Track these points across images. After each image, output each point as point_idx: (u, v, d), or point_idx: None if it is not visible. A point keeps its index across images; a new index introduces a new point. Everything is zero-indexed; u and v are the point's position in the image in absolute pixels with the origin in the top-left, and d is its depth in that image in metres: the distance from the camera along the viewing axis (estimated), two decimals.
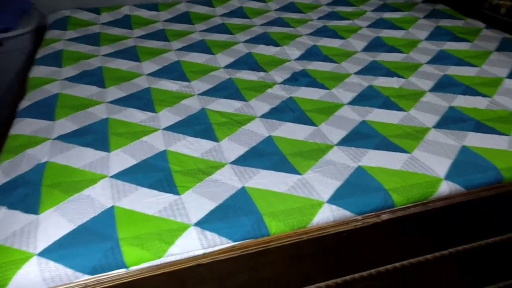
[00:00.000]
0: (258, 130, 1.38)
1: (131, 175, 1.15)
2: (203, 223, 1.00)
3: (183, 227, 0.98)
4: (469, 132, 1.34)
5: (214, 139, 1.33)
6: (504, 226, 1.21)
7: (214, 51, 1.96)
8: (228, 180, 1.15)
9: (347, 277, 1.12)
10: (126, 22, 2.29)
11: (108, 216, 1.00)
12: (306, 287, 1.10)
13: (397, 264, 1.15)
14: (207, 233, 0.98)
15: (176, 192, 1.09)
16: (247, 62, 1.86)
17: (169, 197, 1.08)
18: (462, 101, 1.53)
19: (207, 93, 1.61)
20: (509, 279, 1.33)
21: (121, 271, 0.91)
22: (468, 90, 1.61)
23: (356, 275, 1.12)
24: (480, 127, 1.37)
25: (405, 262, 1.16)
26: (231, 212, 1.03)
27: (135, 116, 1.44)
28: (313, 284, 1.10)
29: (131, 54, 1.91)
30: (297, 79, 1.72)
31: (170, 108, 1.50)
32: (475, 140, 1.30)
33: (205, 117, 1.45)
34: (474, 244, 1.20)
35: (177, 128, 1.38)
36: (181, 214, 1.02)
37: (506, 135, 1.32)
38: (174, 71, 1.78)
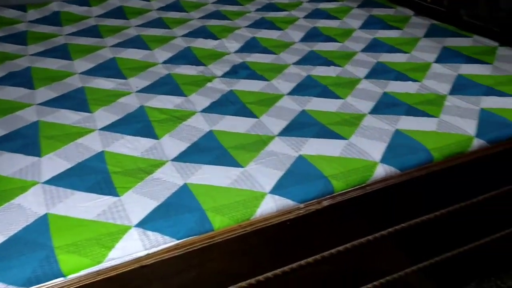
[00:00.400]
0: (199, 125, 1.37)
1: (65, 180, 1.10)
2: (144, 224, 0.97)
3: (123, 230, 0.96)
4: (402, 116, 1.41)
5: (154, 136, 1.30)
6: (435, 204, 1.29)
7: (151, 47, 1.91)
8: (170, 178, 1.13)
9: (294, 265, 1.14)
10: (55, 19, 2.18)
11: (42, 224, 0.95)
12: (254, 278, 1.11)
13: (340, 248, 1.19)
14: (149, 233, 0.96)
15: (116, 194, 1.06)
16: (186, 57, 1.83)
17: (108, 199, 1.04)
18: (395, 87, 1.60)
19: (145, 90, 1.57)
20: (443, 254, 1.41)
21: (59, 280, 0.87)
22: (400, 75, 1.68)
23: (302, 262, 1.14)
24: (412, 110, 1.44)
25: (348, 245, 1.19)
26: (173, 210, 1.01)
27: (68, 117, 1.38)
28: (261, 274, 1.11)
29: (62, 52, 1.82)
30: (237, 71, 1.72)
31: (106, 107, 1.45)
32: (407, 123, 1.36)
33: (144, 115, 1.41)
34: (410, 222, 1.27)
35: (114, 127, 1.34)
36: (121, 216, 0.99)
37: (435, 117, 1.40)
38: (109, 69, 1.71)
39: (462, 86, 1.57)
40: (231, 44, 1.96)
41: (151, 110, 1.44)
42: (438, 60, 1.77)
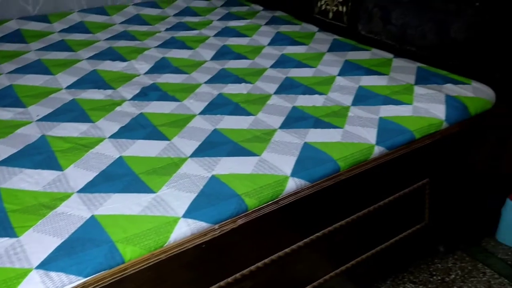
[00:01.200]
0: (107, 152, 1.31)
1: None
2: (46, 264, 0.91)
3: (23, 273, 0.88)
4: (310, 129, 1.47)
5: (58, 168, 1.23)
6: (346, 210, 1.35)
7: (53, 71, 1.81)
8: (76, 211, 1.07)
9: (214, 287, 1.13)
10: None
11: None
12: None
13: (259, 264, 1.20)
14: (52, 274, 0.89)
15: (13, 235, 0.98)
16: (92, 80, 1.76)
17: (4, 241, 0.96)
18: (303, 101, 1.67)
19: (47, 118, 1.48)
20: (359, 255, 1.49)
21: None
22: (307, 89, 1.75)
23: (222, 283, 1.14)
24: (319, 123, 1.51)
25: (267, 260, 1.21)
26: (79, 246, 0.96)
27: None
28: None
29: None
30: (147, 94, 1.69)
31: (3, 140, 1.34)
32: (315, 135, 1.42)
33: (46, 145, 1.33)
34: (325, 231, 1.32)
35: (12, 161, 1.24)
36: (20, 259, 0.91)
37: (340, 128, 1.48)
38: (6, 97, 1.60)
39: (363, 97, 1.68)
40: (140, 66, 1.92)
41: (54, 139, 1.36)
42: (341, 73, 1.88)
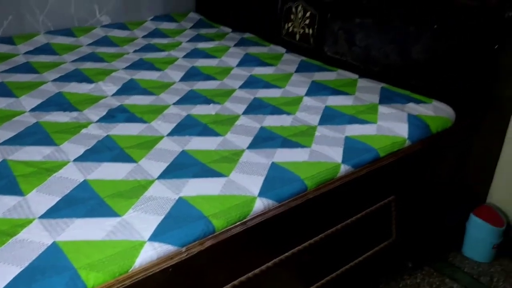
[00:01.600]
0: (71, 176, 1.29)
1: None
2: None
3: None
4: (277, 149, 1.48)
5: (19, 193, 1.19)
6: (314, 228, 1.36)
7: (17, 94, 1.77)
8: (37, 238, 1.03)
9: None
10: None
11: None
12: None
13: (228, 286, 1.19)
14: None
15: None
16: (58, 103, 1.73)
17: None
18: (271, 121, 1.69)
19: (9, 142, 1.44)
20: (331, 273, 1.49)
21: None
22: (275, 110, 1.78)
23: None
24: (286, 143, 1.53)
25: (236, 281, 1.20)
26: (39, 274, 0.92)
27: None
28: None
29: None
30: (114, 115, 1.67)
31: None
32: (282, 155, 1.44)
33: (7, 170, 1.29)
34: (294, 250, 1.32)
35: None
36: None
37: (307, 147, 1.50)
38: None
39: (329, 117, 1.72)
40: (108, 87, 1.90)
41: (16, 163, 1.32)
42: (308, 93, 1.92)
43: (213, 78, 2.07)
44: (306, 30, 2.37)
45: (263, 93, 1.93)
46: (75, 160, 1.36)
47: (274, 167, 1.37)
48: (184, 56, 2.31)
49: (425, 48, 1.87)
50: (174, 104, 1.80)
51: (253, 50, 2.43)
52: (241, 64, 2.24)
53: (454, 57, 1.80)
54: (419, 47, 1.88)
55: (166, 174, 1.32)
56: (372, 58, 2.08)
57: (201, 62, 2.24)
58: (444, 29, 1.81)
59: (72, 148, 1.43)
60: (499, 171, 1.96)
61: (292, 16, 2.43)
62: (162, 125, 1.62)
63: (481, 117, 1.78)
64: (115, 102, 1.77)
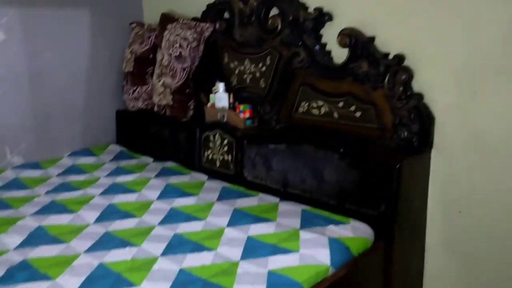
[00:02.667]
0: None
1: None
2: None
3: None
4: None
5: None
6: None
7: None
8: None
9: None
10: None
11: None
12: None
13: None
14: None
15: None
16: None
17: None
18: (191, 261, 1.59)
19: None
20: None
21: None
22: (196, 246, 1.70)
23: None
24: (207, 285, 1.43)
25: None
26: None
27: None
28: None
29: None
30: (14, 274, 1.50)
31: None
32: None
33: None
34: None
35: None
36: None
37: None
38: None
39: (251, 249, 1.66)
40: (11, 239, 1.73)
41: None
42: (230, 224, 1.87)
43: (132, 216, 1.98)
44: (226, 157, 2.42)
45: (183, 228, 1.86)
46: None
47: None
48: (101, 193, 2.22)
49: (335, 170, 1.96)
50: (85, 252, 1.66)
51: (174, 180, 2.40)
52: (161, 196, 2.19)
53: (361, 178, 1.89)
54: (329, 169, 1.97)
55: None
56: (290, 181, 2.14)
57: (119, 198, 2.16)
58: (348, 151, 1.93)
59: None
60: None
61: (211, 144, 2.49)
62: (69, 281, 1.47)
63: (395, 234, 1.82)
64: (17, 258, 1.60)
